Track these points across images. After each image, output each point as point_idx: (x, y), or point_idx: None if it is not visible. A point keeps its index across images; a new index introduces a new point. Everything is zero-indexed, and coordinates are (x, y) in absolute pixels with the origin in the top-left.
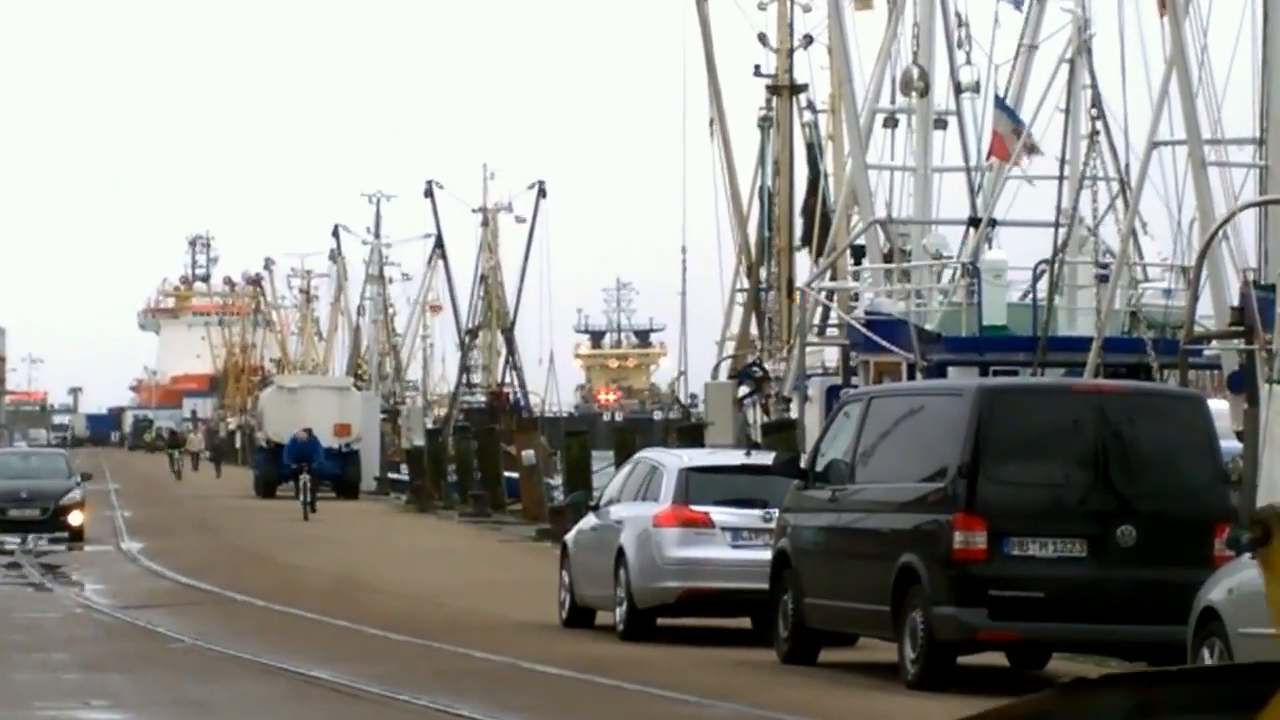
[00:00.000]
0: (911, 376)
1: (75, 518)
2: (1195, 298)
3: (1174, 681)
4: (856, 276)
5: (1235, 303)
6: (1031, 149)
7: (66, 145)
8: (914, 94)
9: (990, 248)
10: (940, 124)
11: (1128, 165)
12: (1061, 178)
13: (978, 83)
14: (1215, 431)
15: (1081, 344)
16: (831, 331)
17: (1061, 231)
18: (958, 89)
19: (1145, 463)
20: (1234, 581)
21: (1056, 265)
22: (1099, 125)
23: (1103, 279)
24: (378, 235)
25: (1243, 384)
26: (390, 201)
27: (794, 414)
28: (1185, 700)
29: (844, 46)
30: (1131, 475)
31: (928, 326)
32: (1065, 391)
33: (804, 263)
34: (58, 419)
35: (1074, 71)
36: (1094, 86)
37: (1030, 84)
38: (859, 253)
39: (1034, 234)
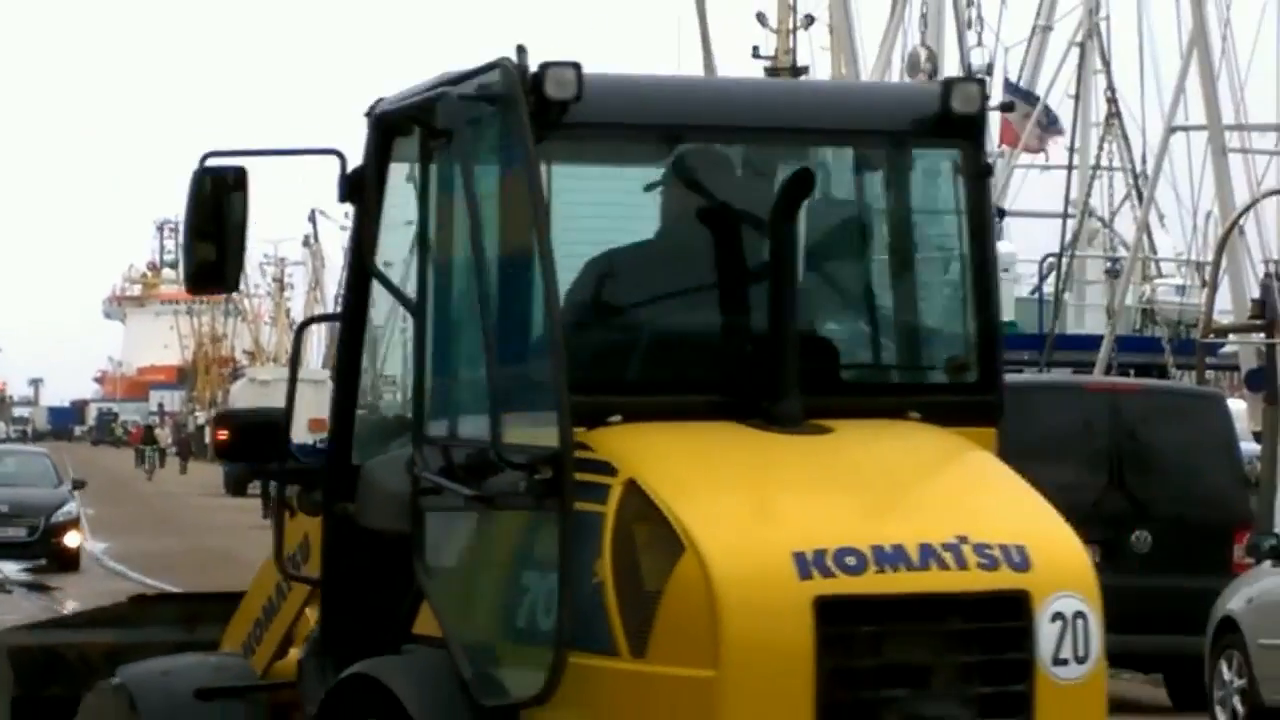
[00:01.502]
0: None
1: (72, 539)
2: (1214, 290)
3: (213, 601)
4: None
5: (1255, 296)
6: (1049, 127)
7: (27, 127)
8: (921, 75)
9: (998, 239)
10: None
11: (1144, 154)
12: (1071, 167)
13: (989, 65)
14: (1235, 432)
15: (1091, 342)
16: None
17: (1071, 224)
18: (967, 72)
19: (1161, 465)
20: (1254, 590)
21: (1065, 260)
22: (1115, 109)
23: (1114, 274)
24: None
25: (1262, 381)
26: None
27: None
28: (221, 612)
29: (848, 27)
30: (1147, 478)
31: None
32: (1079, 390)
33: None
34: (17, 411)
35: (1084, 54)
36: (1108, 70)
37: (1044, 67)
38: None
39: (1046, 226)
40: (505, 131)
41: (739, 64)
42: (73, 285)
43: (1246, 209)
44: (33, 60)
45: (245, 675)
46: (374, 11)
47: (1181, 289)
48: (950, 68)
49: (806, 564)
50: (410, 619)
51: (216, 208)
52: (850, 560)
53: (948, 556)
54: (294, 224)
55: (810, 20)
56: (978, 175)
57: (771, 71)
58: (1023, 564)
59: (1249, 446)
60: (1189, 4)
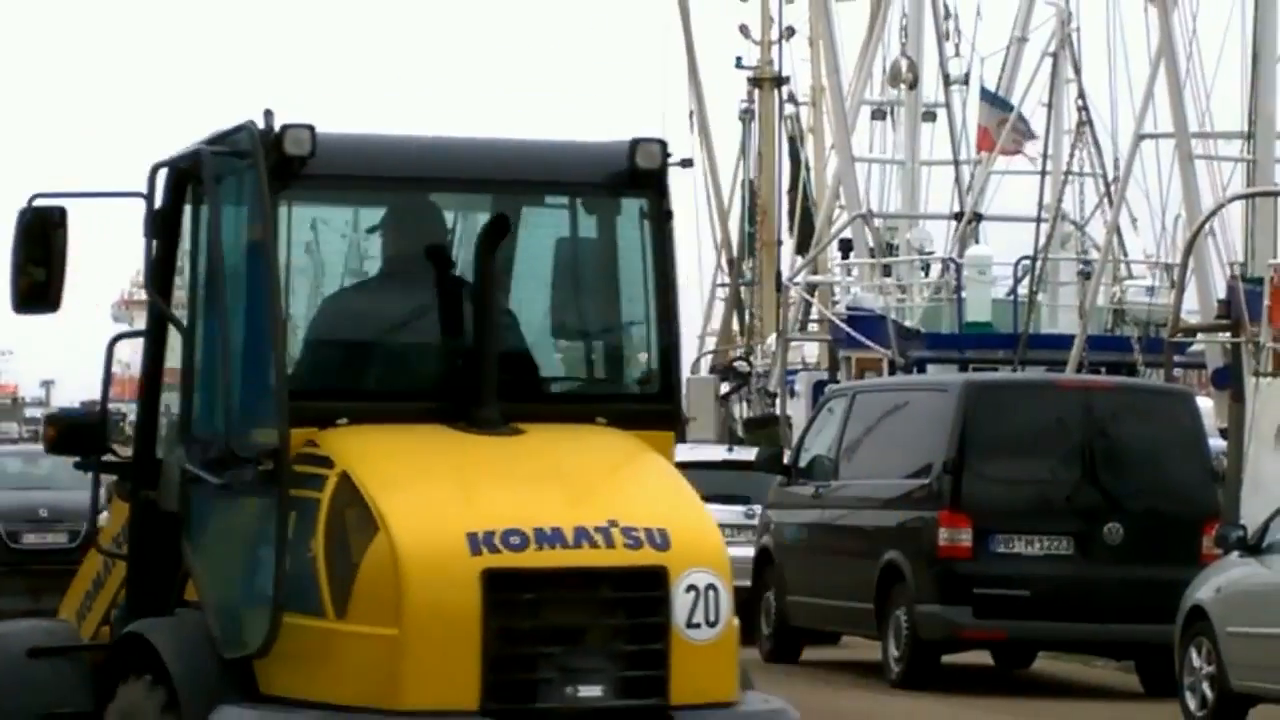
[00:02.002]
0: (893, 373)
1: None
2: (1181, 291)
3: (56, 576)
4: (848, 271)
5: (1221, 296)
6: (1025, 134)
7: (34, 131)
8: (902, 86)
9: (976, 242)
10: (929, 116)
11: (1116, 160)
12: (1044, 172)
13: (967, 75)
14: (1204, 428)
15: (1063, 341)
16: (814, 327)
17: (1044, 227)
18: (946, 81)
19: (1133, 460)
20: (1222, 580)
21: (1038, 261)
22: (1085, 117)
23: (1086, 275)
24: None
25: (1227, 379)
26: None
27: (778, 409)
28: (61, 586)
29: (831, 38)
30: (1119, 472)
31: (910, 322)
32: (1052, 388)
33: (785, 257)
34: (29, 413)
35: (1057, 65)
36: (1079, 79)
37: (1019, 77)
38: (846, 247)
39: (1025, 229)
40: (250, 182)
41: (723, 74)
42: (82, 289)
43: (1211, 214)
44: (39, 68)
45: (72, 638)
46: (374, 18)
47: (1151, 290)
48: (930, 77)
49: (478, 542)
50: (183, 587)
51: (44, 240)
52: (515, 539)
53: (598, 537)
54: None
55: (791, 32)
56: (660, 219)
57: (755, 81)
58: (663, 544)
59: (1215, 442)
60: (1157, 17)
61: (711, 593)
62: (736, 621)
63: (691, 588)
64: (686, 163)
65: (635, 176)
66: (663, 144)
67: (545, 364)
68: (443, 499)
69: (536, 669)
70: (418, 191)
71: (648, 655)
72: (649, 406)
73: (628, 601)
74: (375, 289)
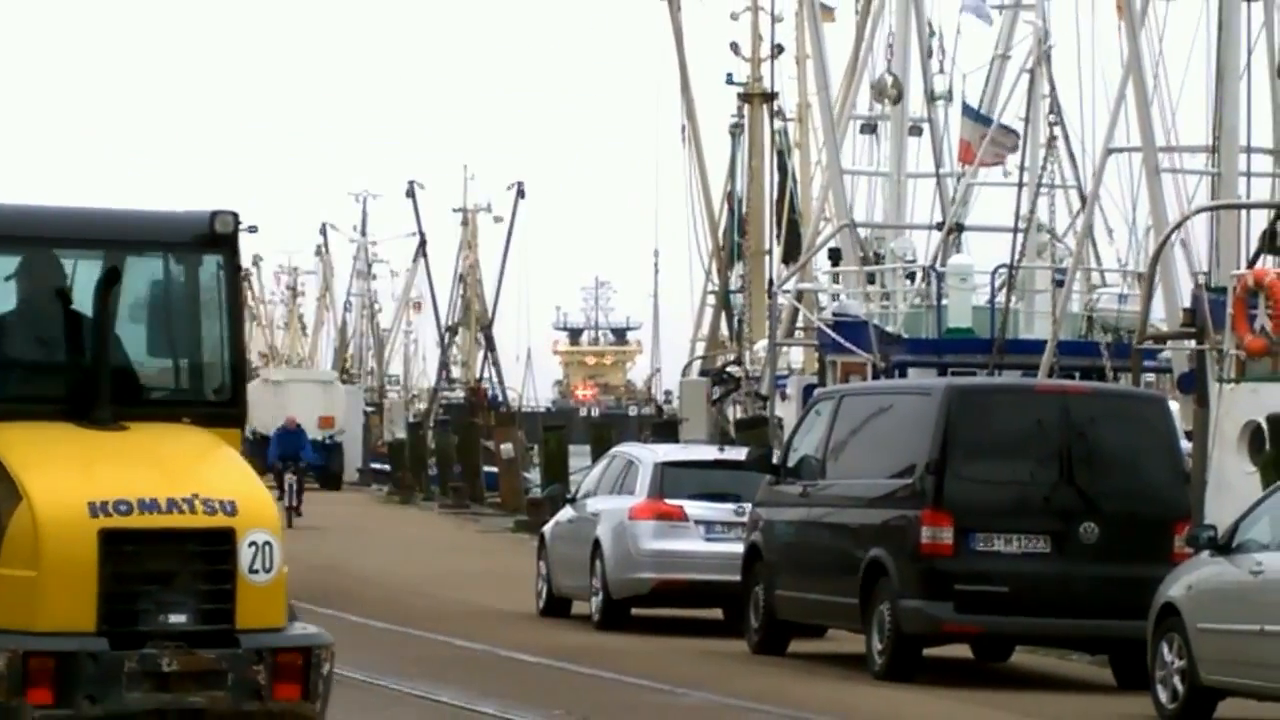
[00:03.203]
0: (878, 376)
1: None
2: (1149, 300)
3: None
4: (836, 279)
5: (1187, 305)
6: (1010, 147)
7: (53, 139)
8: (887, 101)
9: (958, 252)
10: (915, 131)
11: (1093, 172)
12: (1021, 184)
13: (950, 90)
14: (1177, 432)
15: (1038, 346)
16: (800, 333)
17: (1020, 236)
18: (931, 97)
19: (1108, 462)
20: (1193, 578)
21: (1014, 270)
22: (1057, 132)
23: (1060, 283)
24: (364, 233)
25: (1193, 385)
26: (376, 200)
27: (769, 411)
28: None
29: (820, 56)
30: (1095, 474)
31: (892, 328)
32: (1031, 392)
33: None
34: None
35: (1034, 81)
36: (1053, 95)
37: (1001, 93)
38: (835, 256)
39: (1006, 239)
40: None
41: (714, 90)
42: None
43: (1176, 227)
44: (59, 78)
45: None
46: (377, 30)
47: (1123, 297)
48: (915, 94)
49: (96, 509)
50: None
51: None
52: (123, 507)
53: (185, 505)
54: (306, 235)
55: (780, 49)
56: (233, 271)
57: (745, 97)
58: (232, 511)
59: (1181, 445)
60: (1126, 35)
61: (268, 548)
62: (286, 569)
63: (253, 544)
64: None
65: (214, 239)
66: (235, 214)
67: (145, 377)
68: (69, 476)
69: (138, 602)
70: (46, 248)
71: (221, 593)
72: (222, 410)
73: (206, 553)
74: (17, 320)
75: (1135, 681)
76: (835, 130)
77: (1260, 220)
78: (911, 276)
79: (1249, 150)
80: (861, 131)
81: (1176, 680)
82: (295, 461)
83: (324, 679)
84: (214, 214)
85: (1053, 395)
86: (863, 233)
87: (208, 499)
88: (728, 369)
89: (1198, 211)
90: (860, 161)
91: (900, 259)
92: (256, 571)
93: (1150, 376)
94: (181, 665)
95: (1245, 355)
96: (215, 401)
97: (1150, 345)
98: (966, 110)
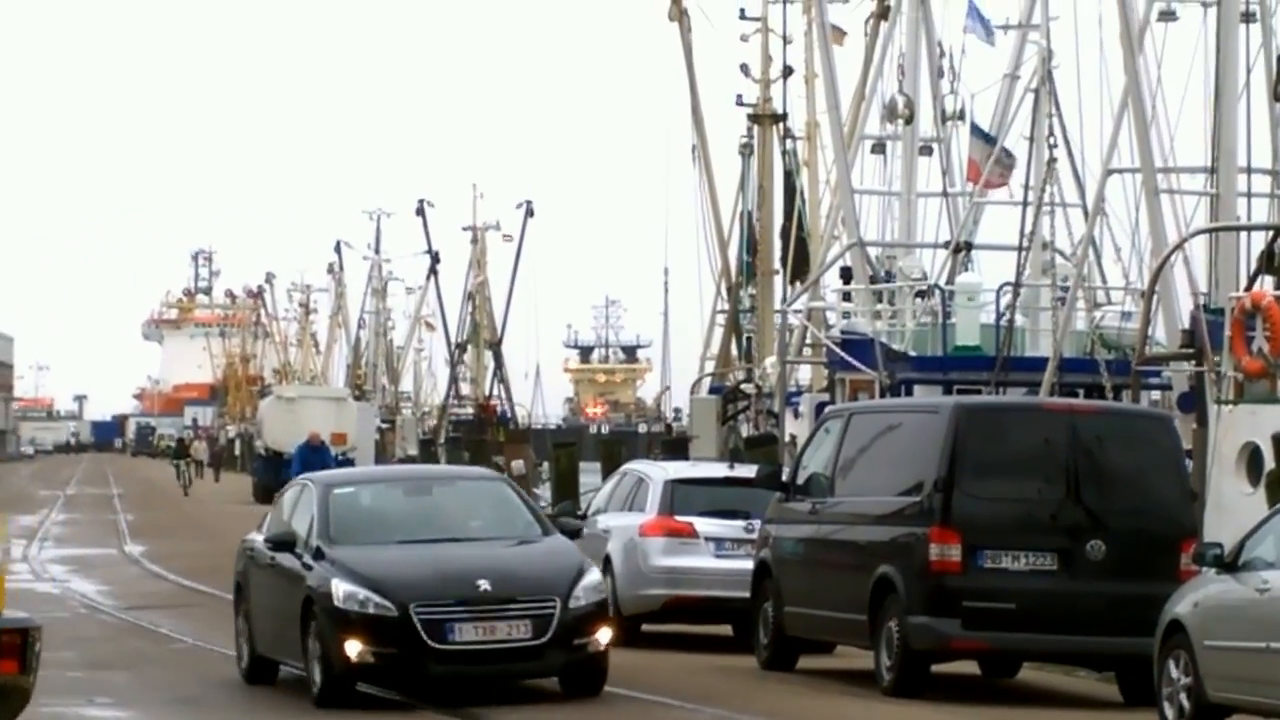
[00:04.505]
0: (885, 394)
1: (602, 636)
2: (1148, 320)
3: None
4: (847, 297)
5: (1186, 326)
6: (1010, 167)
7: (74, 161)
8: (899, 121)
9: (967, 270)
10: (925, 150)
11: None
12: (1025, 203)
13: (961, 110)
14: (1182, 450)
15: (1041, 364)
16: (808, 351)
17: (1024, 255)
18: (942, 117)
19: (1115, 480)
20: (1199, 596)
21: (1018, 288)
22: (1057, 154)
23: (1063, 301)
24: (378, 251)
25: (1192, 404)
26: (388, 219)
27: (780, 428)
28: None
29: (831, 77)
30: (1102, 492)
31: (900, 346)
32: (1039, 410)
33: (779, 285)
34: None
35: (1038, 101)
36: (1054, 115)
37: (1010, 113)
38: (847, 275)
39: (1014, 258)
40: None
41: (724, 111)
42: (114, 309)
43: (1175, 248)
44: (74, 98)
45: None
46: (389, 51)
47: (1127, 315)
48: (925, 113)
49: None
50: None
51: None
52: None
53: None
54: (318, 253)
55: (789, 71)
56: None
57: (754, 118)
58: None
59: (1186, 463)
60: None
61: None
62: (10, 566)
63: None
64: None
65: None
66: None
67: None
68: None
69: None
70: None
71: None
72: None
73: None
74: None
75: (1142, 698)
76: (846, 150)
77: (1259, 241)
78: (922, 294)
79: (1249, 170)
80: (873, 151)
81: (1183, 697)
82: None
83: (36, 656)
84: None
85: (1060, 414)
86: (873, 252)
87: None
88: (741, 386)
89: (1196, 234)
90: (870, 181)
91: (909, 278)
92: None
93: (1156, 394)
94: None
95: (1243, 377)
96: None
97: (1149, 366)
98: (974, 130)
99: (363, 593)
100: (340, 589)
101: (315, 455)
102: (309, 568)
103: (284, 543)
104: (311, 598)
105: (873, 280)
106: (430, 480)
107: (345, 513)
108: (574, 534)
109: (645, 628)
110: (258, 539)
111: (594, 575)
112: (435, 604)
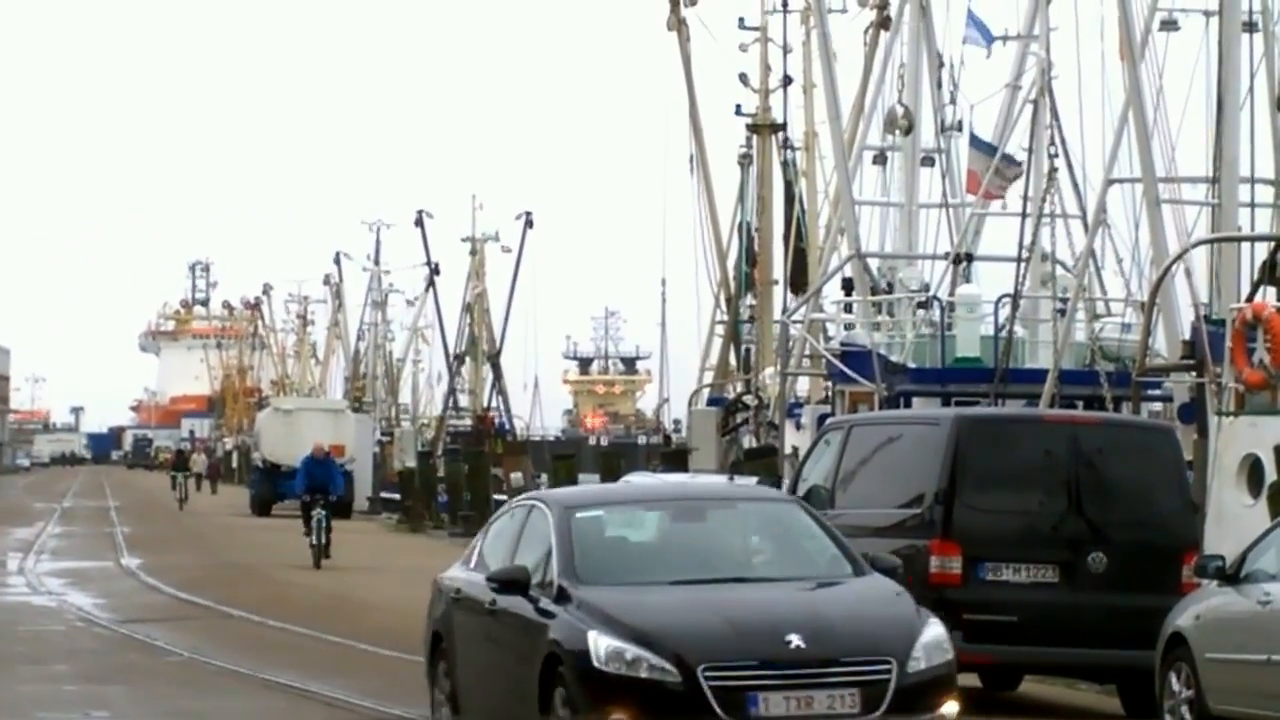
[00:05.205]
0: (884, 406)
1: (948, 710)
2: (1149, 331)
3: None
4: (848, 308)
5: (1187, 337)
6: (1012, 177)
7: (71, 171)
8: (898, 132)
9: (967, 281)
10: (926, 161)
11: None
12: (1025, 214)
13: (960, 121)
14: (1184, 462)
15: (1041, 376)
16: (807, 362)
17: (1023, 266)
18: (941, 127)
19: (1117, 492)
20: (1201, 608)
21: (1016, 299)
22: (1057, 164)
23: (1063, 313)
24: (377, 262)
25: (1193, 416)
26: (387, 230)
27: (779, 440)
28: None
29: (831, 87)
30: (1103, 504)
31: (899, 358)
32: (1040, 422)
33: (777, 295)
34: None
35: (1037, 111)
36: (1053, 126)
37: (1011, 123)
38: (848, 286)
39: (1015, 269)
40: None
41: (723, 120)
42: (111, 321)
43: (1176, 259)
44: (70, 108)
45: None
46: (388, 61)
47: (1127, 327)
48: (926, 124)
49: None
50: None
51: None
52: None
53: None
54: (316, 264)
55: (788, 81)
56: None
57: (753, 128)
58: None
59: (1188, 475)
60: (1126, 66)
61: None
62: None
63: None
64: None
65: None
66: None
67: None
68: None
69: None
70: None
71: None
72: None
73: None
74: None
75: (1144, 711)
76: (846, 161)
77: (1261, 252)
78: (922, 305)
79: (1251, 180)
80: (874, 162)
81: (1185, 710)
82: (325, 494)
83: None
84: None
85: (1062, 425)
86: (873, 263)
87: None
88: (743, 398)
89: (1197, 244)
90: (870, 191)
91: (908, 289)
92: None
93: (1157, 406)
94: None
95: (1244, 388)
96: None
97: (1150, 377)
98: (974, 141)
99: (632, 650)
100: (601, 644)
101: (320, 468)
102: (550, 615)
103: (514, 581)
104: (557, 655)
105: (873, 291)
106: (703, 502)
107: (594, 543)
108: (891, 571)
109: None
110: (463, 575)
111: (936, 629)
112: (732, 666)
